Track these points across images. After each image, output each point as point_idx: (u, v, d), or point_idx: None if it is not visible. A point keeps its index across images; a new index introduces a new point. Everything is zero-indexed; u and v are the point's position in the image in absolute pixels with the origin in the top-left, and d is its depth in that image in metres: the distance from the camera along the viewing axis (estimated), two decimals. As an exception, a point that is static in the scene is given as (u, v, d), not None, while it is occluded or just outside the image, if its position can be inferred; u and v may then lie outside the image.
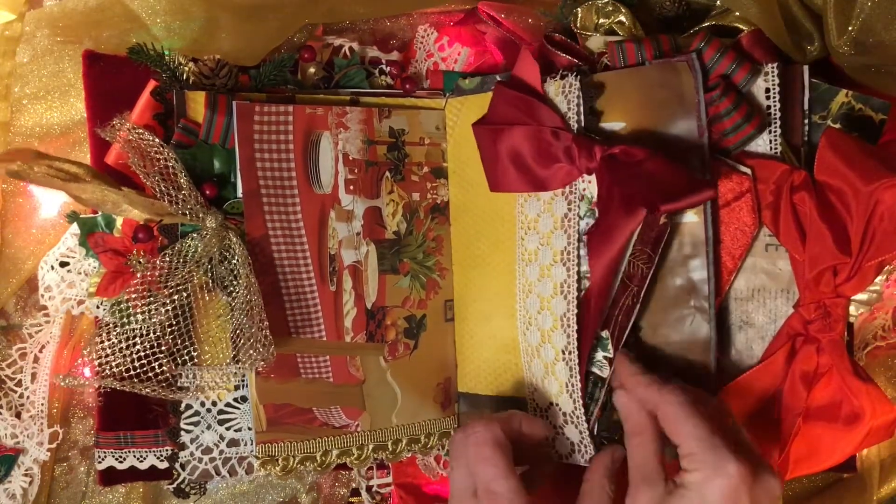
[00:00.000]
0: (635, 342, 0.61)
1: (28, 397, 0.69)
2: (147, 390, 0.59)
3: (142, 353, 0.59)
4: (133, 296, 0.59)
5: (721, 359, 0.62)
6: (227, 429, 0.64)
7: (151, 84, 0.63)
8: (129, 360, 0.59)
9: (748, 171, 0.60)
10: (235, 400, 0.64)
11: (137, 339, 0.59)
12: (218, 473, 0.64)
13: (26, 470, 0.69)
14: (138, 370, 0.59)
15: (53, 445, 0.69)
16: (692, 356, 0.61)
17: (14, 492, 0.68)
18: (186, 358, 0.61)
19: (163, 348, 0.60)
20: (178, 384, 0.61)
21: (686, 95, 0.60)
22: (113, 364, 0.59)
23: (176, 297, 0.59)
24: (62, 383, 0.62)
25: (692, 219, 0.60)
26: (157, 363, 0.59)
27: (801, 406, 0.60)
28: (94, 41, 0.67)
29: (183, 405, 0.63)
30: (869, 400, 0.58)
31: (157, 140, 0.60)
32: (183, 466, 0.63)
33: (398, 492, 0.68)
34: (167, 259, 0.60)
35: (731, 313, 0.63)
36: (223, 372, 0.61)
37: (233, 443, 0.64)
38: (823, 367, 0.60)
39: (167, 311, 0.59)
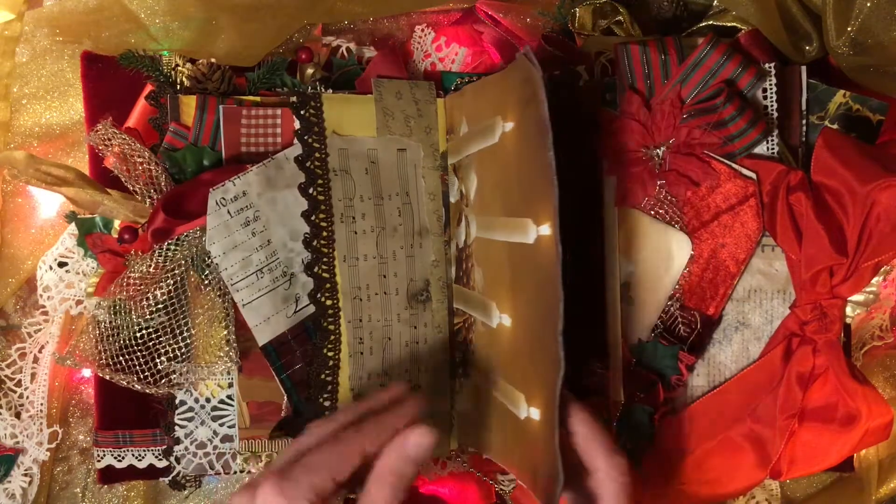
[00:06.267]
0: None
1: (27, 397, 0.70)
2: (139, 385, 0.61)
3: (132, 346, 0.61)
4: (123, 291, 0.61)
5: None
6: (221, 425, 0.64)
7: (147, 88, 0.63)
8: (117, 351, 0.61)
9: (753, 175, 0.60)
10: (229, 397, 0.64)
11: (126, 331, 0.61)
12: (212, 468, 0.65)
13: (26, 470, 0.69)
14: (131, 362, 0.61)
15: (53, 445, 0.69)
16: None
17: (13, 492, 0.68)
18: (181, 348, 0.62)
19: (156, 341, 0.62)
20: (170, 376, 0.62)
21: (536, 88, 0.50)
22: (105, 355, 0.60)
23: (164, 293, 0.61)
24: (60, 362, 0.62)
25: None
26: (150, 356, 0.62)
27: (795, 407, 0.60)
28: (93, 41, 0.67)
29: (177, 400, 0.64)
30: (865, 402, 0.58)
31: (139, 145, 0.61)
32: (178, 460, 0.64)
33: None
34: (156, 257, 0.61)
35: (728, 314, 0.63)
36: (209, 370, 0.63)
37: (227, 438, 0.64)
38: (819, 368, 0.60)
39: (158, 305, 0.61)
